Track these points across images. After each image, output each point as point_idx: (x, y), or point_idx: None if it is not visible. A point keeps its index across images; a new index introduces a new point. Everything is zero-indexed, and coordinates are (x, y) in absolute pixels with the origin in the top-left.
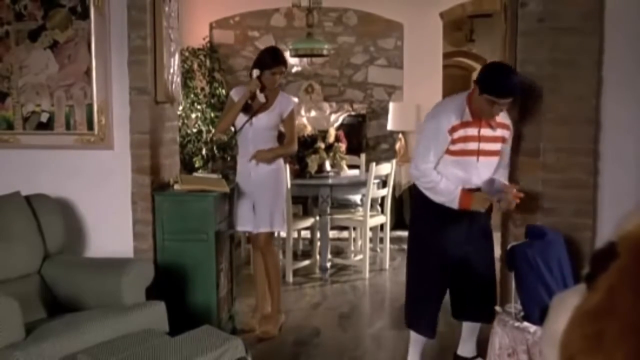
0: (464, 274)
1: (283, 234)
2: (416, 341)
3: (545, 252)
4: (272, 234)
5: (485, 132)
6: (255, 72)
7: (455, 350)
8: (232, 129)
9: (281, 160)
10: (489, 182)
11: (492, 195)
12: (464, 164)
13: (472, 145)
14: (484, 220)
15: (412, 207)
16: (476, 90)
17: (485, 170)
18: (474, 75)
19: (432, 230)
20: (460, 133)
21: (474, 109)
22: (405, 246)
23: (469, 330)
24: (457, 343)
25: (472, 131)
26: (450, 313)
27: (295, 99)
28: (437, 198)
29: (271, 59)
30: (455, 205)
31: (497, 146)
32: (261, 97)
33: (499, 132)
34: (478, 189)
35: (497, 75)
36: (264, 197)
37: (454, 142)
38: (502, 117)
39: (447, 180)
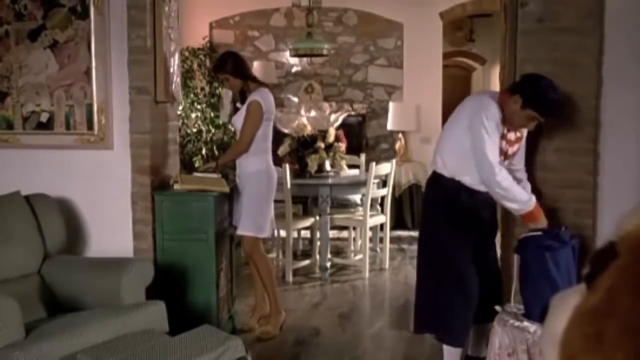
0: (482, 276)
1: (283, 234)
2: (453, 355)
3: (556, 252)
4: (256, 238)
5: (511, 135)
6: None
7: (467, 351)
8: (232, 128)
9: (263, 164)
10: None
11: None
12: None
13: (502, 146)
14: (493, 218)
15: (427, 215)
16: (515, 100)
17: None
18: (474, 75)
19: (457, 236)
20: (501, 129)
21: (506, 116)
22: (405, 246)
23: (480, 331)
24: (468, 344)
25: (503, 132)
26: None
27: (260, 96)
28: (507, 202)
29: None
30: (527, 208)
31: (515, 148)
32: (226, 95)
33: (519, 134)
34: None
35: (548, 93)
36: (243, 199)
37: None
38: None
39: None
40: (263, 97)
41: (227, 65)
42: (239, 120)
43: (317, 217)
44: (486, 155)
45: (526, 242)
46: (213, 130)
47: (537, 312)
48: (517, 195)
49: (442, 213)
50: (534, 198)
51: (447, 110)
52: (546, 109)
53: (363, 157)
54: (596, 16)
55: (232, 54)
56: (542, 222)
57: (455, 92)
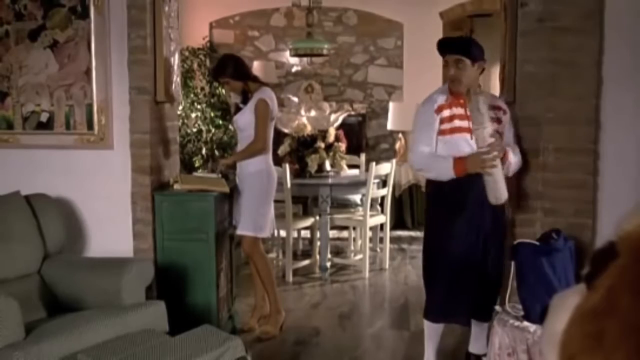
0: (475, 271)
1: (283, 234)
2: (430, 337)
3: (552, 257)
4: (256, 238)
5: (458, 110)
6: None
7: (467, 348)
8: (231, 127)
9: (263, 164)
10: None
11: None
12: (456, 143)
13: (463, 123)
14: (498, 213)
15: (427, 204)
16: None
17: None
18: None
19: (447, 223)
20: (447, 113)
21: (452, 89)
22: (404, 246)
23: (479, 328)
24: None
25: (459, 110)
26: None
27: (265, 95)
28: (434, 174)
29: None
30: (451, 173)
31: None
32: (235, 98)
33: (492, 125)
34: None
35: (440, 39)
36: (243, 199)
37: (442, 121)
38: (493, 100)
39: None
40: (268, 97)
41: (228, 70)
42: (241, 118)
43: (317, 217)
44: (411, 146)
45: (521, 248)
46: (213, 130)
47: (535, 314)
48: (433, 164)
49: (433, 203)
50: (450, 158)
51: None
52: (440, 47)
53: (363, 157)
54: (596, 16)
55: (231, 58)
56: (480, 165)
57: None
